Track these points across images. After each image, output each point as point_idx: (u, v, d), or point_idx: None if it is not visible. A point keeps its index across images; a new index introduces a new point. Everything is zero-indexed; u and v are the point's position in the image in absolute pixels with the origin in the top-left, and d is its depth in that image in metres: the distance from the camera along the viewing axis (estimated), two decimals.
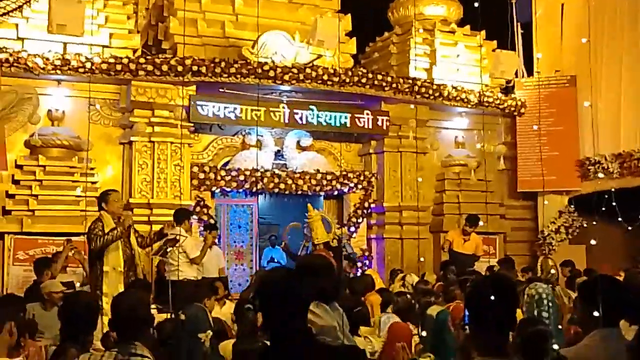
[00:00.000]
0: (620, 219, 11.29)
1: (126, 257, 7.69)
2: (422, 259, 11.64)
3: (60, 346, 4.16)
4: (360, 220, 12.26)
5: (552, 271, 10.80)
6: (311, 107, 11.50)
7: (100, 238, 7.37)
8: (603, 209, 11.44)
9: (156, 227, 9.91)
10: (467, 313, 3.18)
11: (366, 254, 12.16)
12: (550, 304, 5.59)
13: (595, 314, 3.33)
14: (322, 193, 12.02)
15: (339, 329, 3.38)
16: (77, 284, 8.10)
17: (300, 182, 11.52)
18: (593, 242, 7.26)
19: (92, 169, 10.26)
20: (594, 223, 12.25)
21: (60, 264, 8.30)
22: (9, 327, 3.69)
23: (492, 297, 2.92)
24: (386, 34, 13.88)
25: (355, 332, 3.90)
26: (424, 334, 5.69)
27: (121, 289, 7.17)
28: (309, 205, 11.14)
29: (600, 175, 12.62)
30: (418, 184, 12.15)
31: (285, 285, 2.79)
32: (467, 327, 3.55)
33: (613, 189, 11.47)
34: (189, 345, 6.00)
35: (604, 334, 3.37)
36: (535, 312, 5.50)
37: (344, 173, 11.99)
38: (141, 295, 4.01)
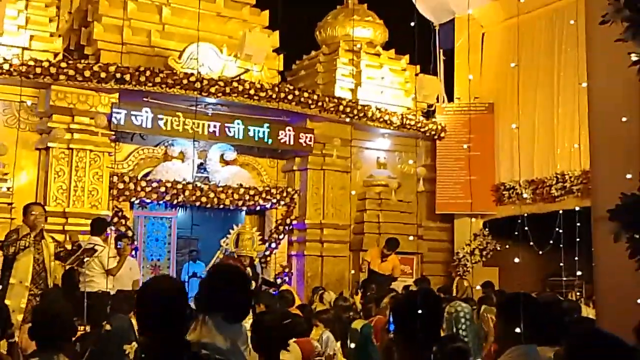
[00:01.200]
0: (532, 243, 11.73)
1: (35, 271, 7.52)
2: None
3: None
4: (281, 237, 12.23)
5: (468, 291, 11.07)
6: (236, 121, 11.45)
7: (11, 246, 7.19)
8: (516, 233, 11.86)
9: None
10: (391, 321, 3.23)
11: (286, 270, 12.13)
12: (468, 322, 5.73)
13: (517, 330, 3.41)
14: (244, 208, 11.94)
15: (232, 343, 3.02)
16: None
17: (223, 196, 11.41)
18: (516, 260, 7.44)
19: (5, 174, 9.85)
20: (507, 246, 12.69)
21: None
22: None
23: (420, 311, 2.98)
24: (313, 52, 14.02)
25: (285, 347, 3.79)
26: (352, 345, 5.74)
27: (23, 303, 7.10)
28: (245, 218, 11.27)
29: (514, 200, 13.10)
30: (339, 202, 12.29)
31: (166, 294, 2.74)
32: (390, 332, 3.58)
33: (526, 214, 11.94)
34: (113, 357, 5.81)
35: (522, 350, 3.46)
36: (454, 330, 5.63)
37: (267, 189, 11.96)
38: (65, 304, 3.86)
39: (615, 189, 4.05)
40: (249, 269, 9.99)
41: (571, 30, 10.94)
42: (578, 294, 11.54)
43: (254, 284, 9.90)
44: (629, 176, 4.04)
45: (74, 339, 5.15)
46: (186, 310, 2.74)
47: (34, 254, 7.67)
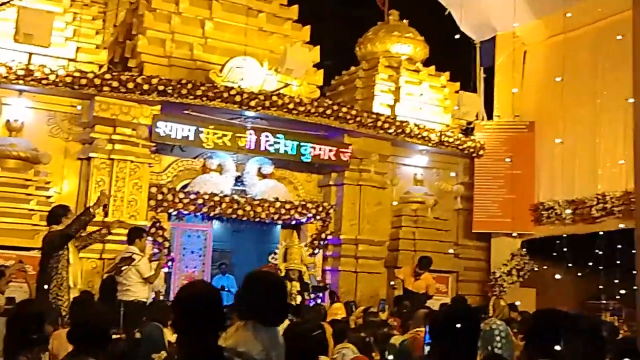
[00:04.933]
0: (570, 264, 11.53)
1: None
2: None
3: (10, 357, 4.01)
4: (316, 252, 12.21)
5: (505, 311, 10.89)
6: (275, 134, 11.50)
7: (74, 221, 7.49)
8: (554, 253, 11.68)
9: (110, 247, 9.85)
10: (428, 335, 3.21)
11: (321, 284, 12.10)
12: (504, 340, 5.62)
13: (555, 347, 3.36)
14: (279, 222, 11.97)
15: (266, 354, 3.10)
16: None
17: (259, 209, 11.45)
18: (557, 276, 7.31)
19: (47, 182, 10.05)
20: (545, 267, 12.50)
21: (6, 279, 8.07)
22: None
23: (459, 325, 2.96)
24: (352, 68, 14.05)
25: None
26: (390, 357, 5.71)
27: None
28: (294, 232, 11.33)
29: (554, 220, 12.89)
30: (375, 218, 12.25)
31: (201, 298, 2.78)
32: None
33: (565, 235, 11.75)
34: None
35: None
36: (489, 348, 5.53)
37: (303, 203, 11.98)
38: (101, 311, 3.91)
39: None
40: (296, 282, 10.09)
41: (615, 48, 10.79)
42: (617, 317, 11.30)
43: (299, 298, 9.98)
44: None
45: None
46: (221, 315, 2.78)
47: None
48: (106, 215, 9.67)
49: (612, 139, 11.87)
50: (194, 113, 10.92)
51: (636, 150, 4.46)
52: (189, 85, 10.59)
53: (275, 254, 10.42)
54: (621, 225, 10.36)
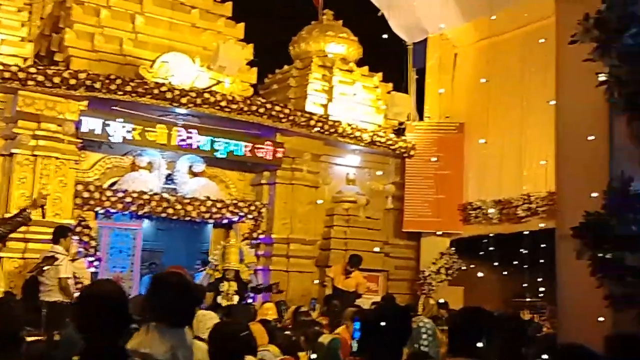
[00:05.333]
0: (496, 263, 11.82)
1: None
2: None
3: None
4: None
5: (434, 309, 11.07)
6: (206, 132, 11.36)
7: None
8: (481, 252, 11.95)
9: (33, 246, 9.53)
10: (356, 337, 3.22)
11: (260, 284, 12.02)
12: (430, 338, 5.71)
13: (475, 344, 3.42)
14: (211, 221, 11.84)
15: (172, 354, 3.14)
16: None
17: (190, 208, 11.30)
18: (479, 274, 7.48)
19: None
20: (472, 266, 12.76)
21: None
22: None
23: (387, 323, 2.98)
24: (286, 67, 14.02)
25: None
26: (313, 356, 5.69)
27: None
28: (231, 232, 11.18)
29: (481, 220, 13.19)
30: (307, 218, 12.25)
31: (105, 298, 2.77)
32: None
33: (491, 234, 12.04)
34: None
35: None
36: (416, 345, 5.60)
37: (235, 202, 11.88)
38: (20, 311, 3.77)
39: (580, 208, 4.10)
40: (233, 282, 10.01)
41: (541, 52, 11.10)
42: (541, 315, 11.63)
43: (236, 298, 9.90)
44: (594, 195, 4.09)
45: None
46: (125, 315, 2.75)
47: None
48: (43, 216, 9.29)
49: (537, 140, 12.20)
50: (123, 109, 10.67)
51: (558, 152, 4.59)
52: (118, 81, 10.37)
53: (215, 254, 10.37)
54: (541, 225, 10.69)
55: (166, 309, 3.16)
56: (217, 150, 11.51)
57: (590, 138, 4.20)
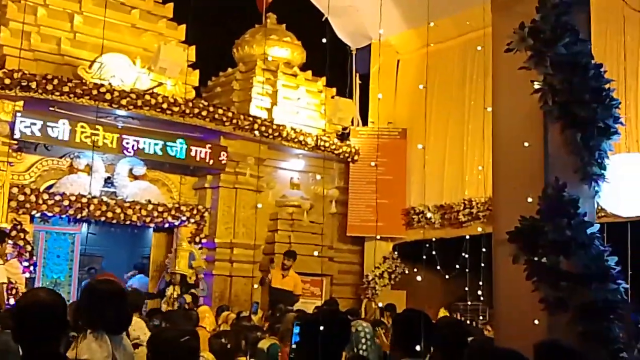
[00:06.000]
0: (439, 267, 11.95)
1: None
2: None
3: None
4: None
5: (377, 313, 11.14)
6: (147, 135, 11.19)
7: None
8: (424, 257, 12.07)
9: None
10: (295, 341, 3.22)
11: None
12: (369, 342, 5.73)
13: (415, 345, 3.44)
14: (152, 225, 11.65)
15: None
16: None
17: (130, 212, 11.10)
18: (418, 278, 7.52)
19: None
20: (415, 270, 12.88)
21: None
22: None
23: (323, 328, 2.97)
24: (230, 69, 13.91)
25: None
26: None
27: None
28: (154, 234, 11.11)
29: (423, 224, 13.33)
30: (250, 222, 12.17)
31: (43, 306, 2.73)
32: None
33: (434, 239, 12.17)
34: None
35: None
36: (355, 350, 5.61)
37: (177, 205, 11.73)
38: None
39: (516, 213, 4.15)
40: (177, 286, 9.89)
41: (481, 59, 11.30)
42: (481, 318, 11.80)
43: (190, 297, 9.83)
44: (529, 200, 4.15)
45: None
46: (63, 323, 2.73)
47: None
48: None
49: (477, 146, 12.40)
50: (60, 110, 10.43)
51: (494, 158, 4.65)
52: (55, 81, 10.14)
53: (169, 257, 10.28)
54: (479, 229, 10.88)
55: (100, 316, 3.20)
56: (158, 153, 11.34)
57: (525, 145, 4.26)
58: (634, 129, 9.93)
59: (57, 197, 10.49)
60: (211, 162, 11.84)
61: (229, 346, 5.97)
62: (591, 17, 4.60)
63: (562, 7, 4.20)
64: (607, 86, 4.26)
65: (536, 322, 4.04)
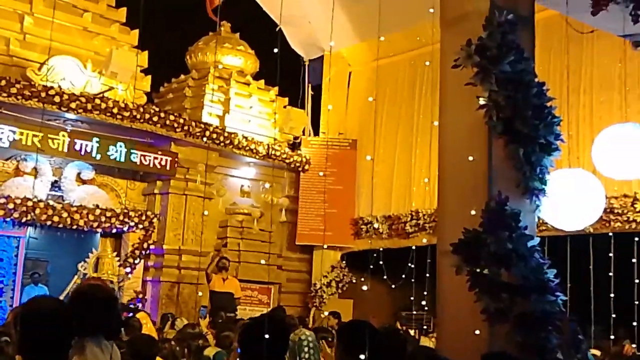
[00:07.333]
0: (385, 276, 12.11)
1: None
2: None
3: None
4: (137, 261, 11.82)
5: (324, 322, 11.20)
6: (96, 139, 11.07)
7: None
8: (371, 266, 12.21)
9: None
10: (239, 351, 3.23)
11: (140, 296, 11.73)
12: (312, 351, 5.78)
13: (359, 356, 3.49)
14: (99, 230, 11.50)
15: None
16: None
17: (77, 216, 10.93)
18: (364, 288, 7.62)
19: None
20: (362, 279, 13.02)
21: None
22: None
23: (267, 335, 3.00)
24: (182, 76, 13.86)
25: None
26: None
27: None
28: (107, 241, 11.01)
29: (372, 234, 13.50)
30: (200, 229, 12.12)
31: (52, 316, 2.64)
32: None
33: (381, 249, 12.34)
34: None
35: None
36: (297, 358, 5.66)
37: (125, 211, 11.60)
38: None
39: (460, 225, 4.26)
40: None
41: (430, 74, 11.53)
42: (425, 327, 11.99)
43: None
44: (473, 212, 4.26)
45: None
46: (69, 332, 2.65)
47: None
48: None
49: (425, 159, 12.63)
50: (7, 112, 10.24)
51: (439, 171, 4.78)
52: (3, 82, 9.98)
53: (85, 262, 10.01)
54: (424, 240, 11.09)
55: (100, 321, 3.09)
56: (107, 158, 11.22)
57: (470, 159, 4.38)
58: (574, 146, 10.25)
59: (2, 200, 10.27)
60: (161, 168, 11.77)
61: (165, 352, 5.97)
62: (535, 36, 4.77)
63: (507, 26, 4.34)
64: (548, 104, 4.40)
65: (477, 332, 4.14)
